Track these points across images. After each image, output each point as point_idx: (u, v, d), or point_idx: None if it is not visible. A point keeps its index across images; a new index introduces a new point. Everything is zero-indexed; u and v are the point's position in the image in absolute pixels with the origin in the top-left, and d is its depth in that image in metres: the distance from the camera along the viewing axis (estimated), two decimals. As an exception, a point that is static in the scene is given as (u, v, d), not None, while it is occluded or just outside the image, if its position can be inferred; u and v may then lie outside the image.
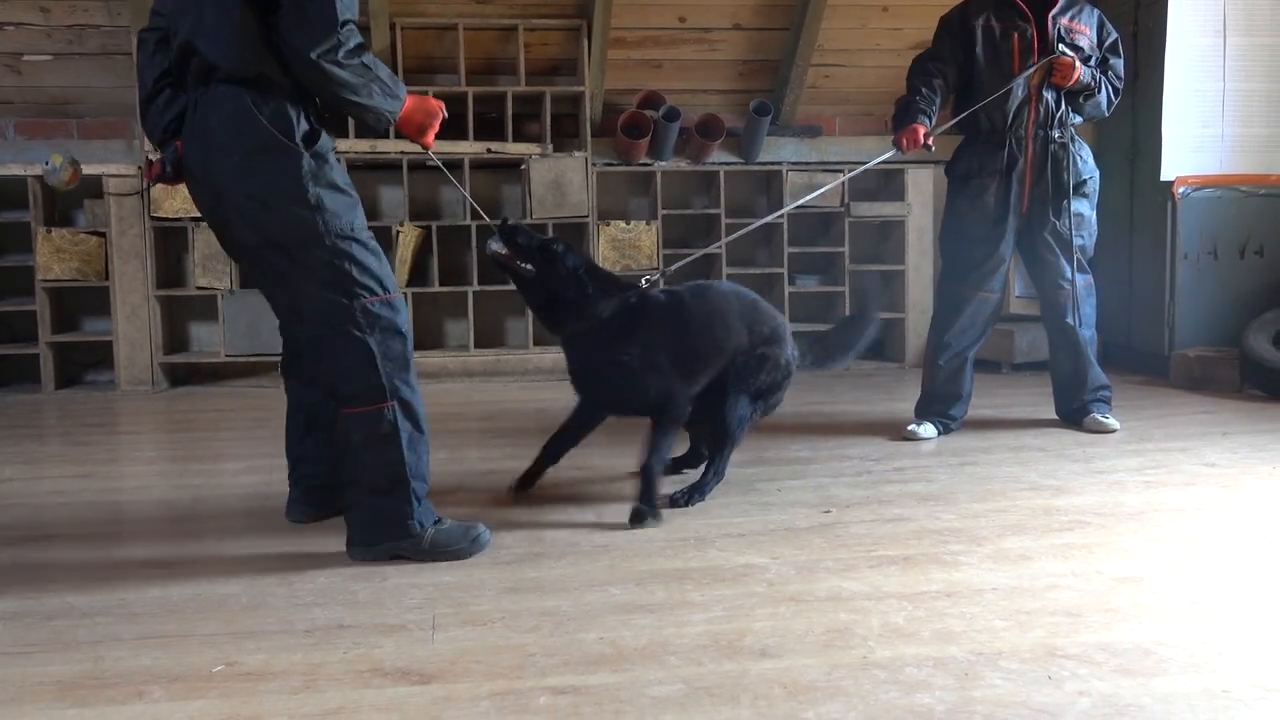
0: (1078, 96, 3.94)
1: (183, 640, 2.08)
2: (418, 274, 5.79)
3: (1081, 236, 4.03)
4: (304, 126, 2.46)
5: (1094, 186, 4.05)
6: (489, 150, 5.65)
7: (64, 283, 5.53)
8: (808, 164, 6.17)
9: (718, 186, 6.00)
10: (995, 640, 2.01)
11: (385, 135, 5.37)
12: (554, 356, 5.82)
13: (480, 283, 5.78)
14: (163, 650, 2.03)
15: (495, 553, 2.62)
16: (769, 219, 4.82)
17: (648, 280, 3.16)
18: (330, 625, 2.15)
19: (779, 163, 6.14)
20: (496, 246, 2.91)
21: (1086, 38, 3.96)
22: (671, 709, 1.74)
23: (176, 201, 5.45)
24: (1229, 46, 5.23)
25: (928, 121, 3.88)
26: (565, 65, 6.05)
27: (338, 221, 2.47)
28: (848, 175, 4.31)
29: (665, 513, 2.92)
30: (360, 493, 2.57)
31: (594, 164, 5.91)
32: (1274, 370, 4.70)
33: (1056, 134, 3.94)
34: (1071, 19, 3.94)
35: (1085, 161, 4.02)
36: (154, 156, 2.63)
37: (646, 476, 2.91)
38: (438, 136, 2.67)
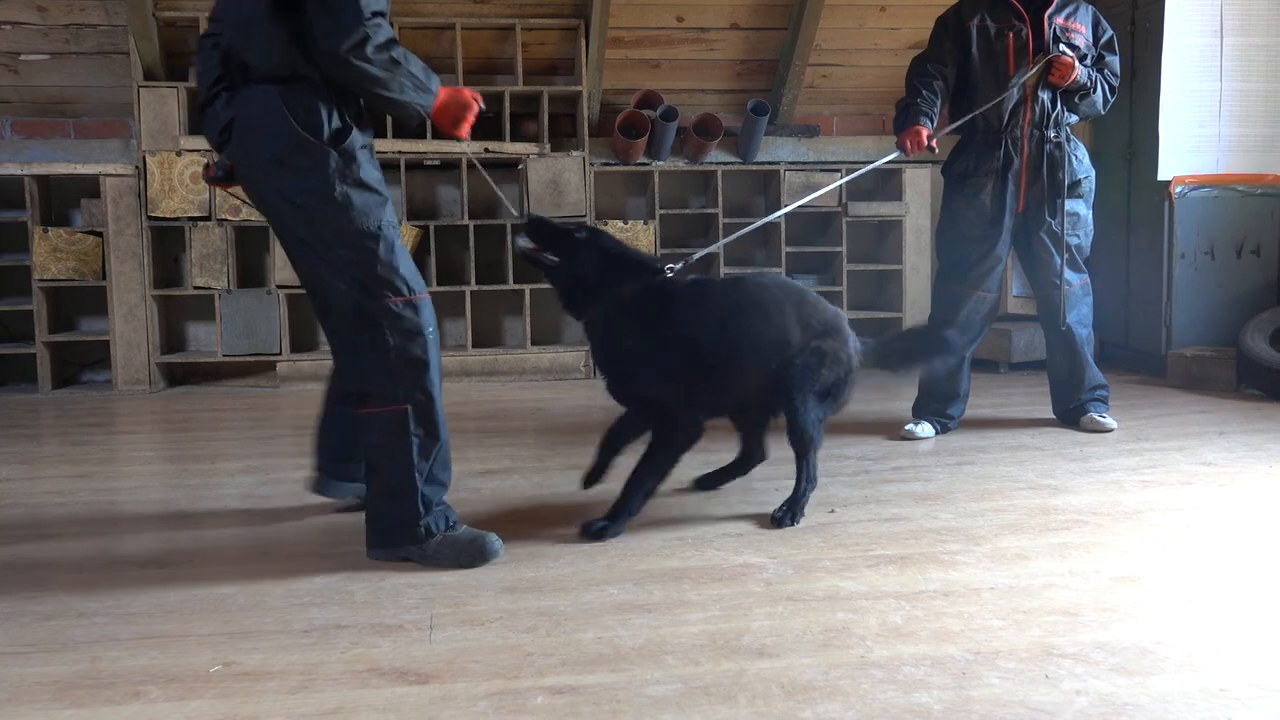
0: (1074, 96, 3.94)
1: (180, 640, 2.08)
2: (415, 274, 5.77)
3: (1077, 236, 4.04)
4: (334, 124, 2.45)
5: (1090, 186, 4.06)
6: (486, 150, 5.65)
7: (61, 282, 5.52)
8: (805, 164, 6.17)
9: (715, 186, 6.00)
10: (993, 639, 2.01)
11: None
12: (552, 356, 5.82)
13: (478, 282, 5.78)
14: (160, 650, 2.03)
15: (493, 552, 2.62)
16: (780, 213, 4.76)
17: (671, 268, 2.99)
18: (328, 625, 2.15)
19: (776, 162, 6.14)
20: (523, 242, 2.88)
21: (1082, 36, 3.96)
22: (669, 708, 1.74)
23: (173, 201, 5.45)
24: (1226, 46, 5.23)
25: (929, 123, 3.89)
26: (563, 65, 6.06)
27: (364, 220, 2.47)
28: (852, 175, 4.27)
29: (768, 532, 2.85)
30: (374, 493, 2.58)
31: (591, 163, 5.91)
32: (1271, 370, 4.70)
33: (1052, 134, 3.95)
34: (1067, 18, 3.94)
35: (1081, 161, 4.03)
36: (212, 159, 2.67)
37: (623, 496, 2.79)
38: (437, 133, 2.67)
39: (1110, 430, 4.03)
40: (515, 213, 3.27)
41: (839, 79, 6.16)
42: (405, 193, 5.76)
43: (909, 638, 2.03)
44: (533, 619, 2.16)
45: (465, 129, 2.61)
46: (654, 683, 1.84)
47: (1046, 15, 3.89)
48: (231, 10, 2.51)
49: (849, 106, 6.34)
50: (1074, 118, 4.02)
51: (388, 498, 2.55)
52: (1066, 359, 4.12)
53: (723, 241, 3.89)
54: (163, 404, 5.24)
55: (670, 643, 2.02)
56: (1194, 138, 5.26)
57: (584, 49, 5.76)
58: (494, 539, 2.57)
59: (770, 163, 6.14)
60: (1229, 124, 5.27)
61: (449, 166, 5.81)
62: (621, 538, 2.74)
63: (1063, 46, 3.87)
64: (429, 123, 2.59)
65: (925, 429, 4.01)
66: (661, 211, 5.93)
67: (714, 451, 3.25)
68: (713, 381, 2.84)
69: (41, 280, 5.47)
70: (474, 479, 3.44)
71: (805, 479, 2.95)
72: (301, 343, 5.81)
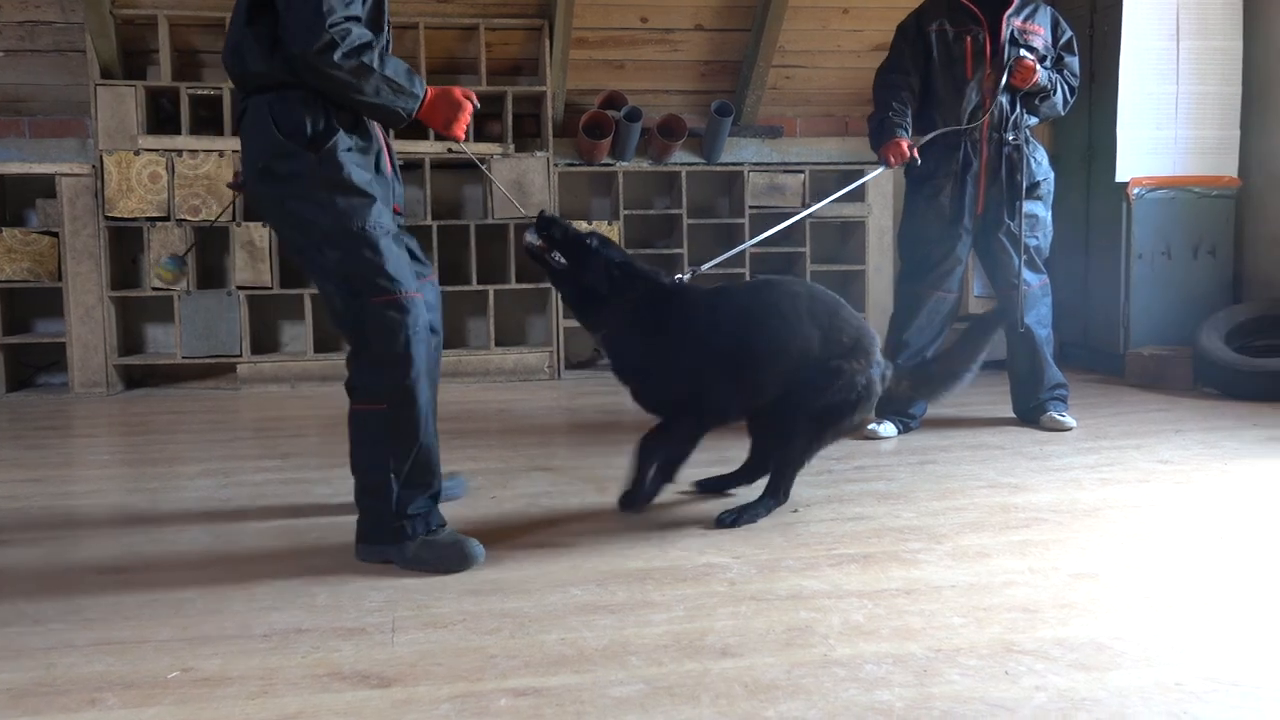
0: (1034, 98, 3.99)
1: (137, 646, 2.05)
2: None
3: (1036, 237, 4.09)
4: (316, 128, 2.45)
5: (1048, 188, 4.11)
6: (449, 150, 5.62)
7: (15, 283, 5.43)
8: (769, 165, 6.19)
9: (679, 187, 6.01)
10: (954, 637, 2.03)
11: (408, 130, 5.33)
12: (516, 357, 5.81)
13: (441, 283, 5.70)
14: (116, 657, 2.00)
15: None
16: (801, 215, 4.68)
17: (680, 277, 2.99)
18: (288, 629, 2.13)
19: (740, 163, 6.15)
20: (532, 238, 2.87)
21: (1041, 38, 4.01)
22: (633, 709, 1.74)
23: (131, 201, 5.38)
24: (1182, 50, 5.30)
25: (906, 133, 3.93)
26: (527, 65, 6.04)
27: (349, 221, 2.46)
28: (852, 185, 4.23)
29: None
30: (356, 491, 2.59)
31: (556, 164, 5.89)
32: (1226, 368, 4.77)
33: (1011, 136, 3.99)
34: (1025, 19, 3.98)
35: (1040, 163, 4.07)
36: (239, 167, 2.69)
37: (633, 458, 2.85)
38: (409, 133, 2.65)
39: (1069, 429, 4.07)
40: (522, 210, 3.24)
41: (802, 80, 6.19)
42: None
43: (871, 636, 2.04)
44: (496, 621, 2.15)
45: (458, 129, 2.61)
46: (617, 683, 1.84)
47: (1005, 17, 3.93)
48: (230, 30, 2.56)
49: (812, 108, 6.37)
50: (1033, 120, 4.07)
51: (366, 496, 2.56)
52: (1026, 359, 4.16)
53: (748, 244, 3.86)
54: (120, 406, 5.17)
55: (634, 643, 2.02)
56: (1151, 140, 5.33)
57: (548, 49, 5.75)
58: (475, 544, 2.54)
59: (734, 164, 6.16)
60: (1185, 126, 5.34)
61: (411, 167, 5.77)
62: (586, 538, 2.74)
63: (1022, 50, 3.91)
64: (436, 127, 2.57)
65: (888, 428, 4.03)
66: (626, 212, 5.93)
67: (717, 449, 3.25)
68: (729, 385, 2.81)
69: (-4, 281, 5.39)
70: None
71: (770, 494, 2.90)
72: (262, 344, 5.76)
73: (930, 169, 4.04)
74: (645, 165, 6.02)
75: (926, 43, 3.98)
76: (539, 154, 5.80)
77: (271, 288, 5.58)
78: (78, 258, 5.46)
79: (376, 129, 2.61)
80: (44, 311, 5.71)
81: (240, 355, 5.56)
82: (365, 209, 2.49)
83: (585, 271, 2.84)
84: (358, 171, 2.50)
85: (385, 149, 2.64)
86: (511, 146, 5.77)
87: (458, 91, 2.59)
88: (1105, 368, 5.53)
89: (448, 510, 2.95)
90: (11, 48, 5.41)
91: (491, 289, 5.69)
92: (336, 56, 2.33)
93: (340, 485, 3.34)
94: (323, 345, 5.75)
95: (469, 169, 5.92)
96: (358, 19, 2.40)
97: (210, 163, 5.42)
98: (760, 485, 3.01)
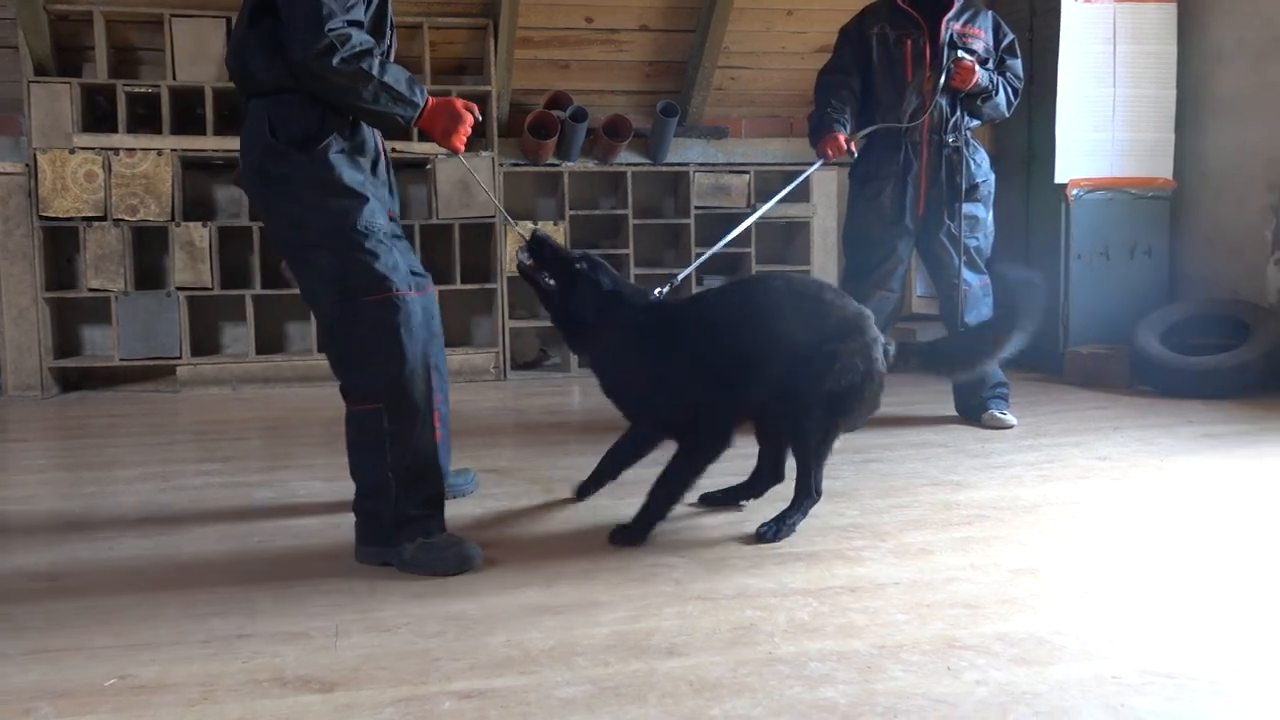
0: (976, 99, 4.04)
1: (73, 654, 2.01)
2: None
3: (977, 238, 4.14)
4: (307, 131, 2.43)
5: (989, 190, 4.17)
6: (393, 150, 5.55)
7: (-54, 285, 5.31)
8: (714, 165, 6.22)
9: (625, 187, 6.01)
10: (897, 633, 2.05)
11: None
12: (461, 357, 5.76)
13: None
14: (51, 665, 1.95)
15: (401, 557, 2.58)
16: (756, 215, 4.66)
17: (660, 292, 2.95)
18: (229, 635, 2.09)
19: (686, 164, 6.17)
20: (524, 257, 2.81)
21: (981, 41, 4.06)
22: (579, 710, 1.74)
23: (66, 201, 5.28)
24: (1119, 54, 5.40)
25: (844, 128, 3.96)
26: (471, 64, 6.01)
27: (340, 220, 2.44)
28: (792, 185, 4.20)
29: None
30: (355, 493, 2.56)
31: (501, 164, 5.87)
32: (1162, 367, 4.87)
33: (951, 139, 4.04)
34: (965, 23, 4.04)
35: (980, 165, 4.13)
36: None
37: (647, 503, 2.71)
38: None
39: (1010, 427, 4.13)
40: (513, 223, 3.19)
41: (747, 81, 6.22)
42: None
43: (816, 634, 2.05)
44: (441, 624, 2.14)
45: (458, 140, 2.57)
46: (564, 684, 1.83)
47: (945, 21, 3.98)
48: (234, 32, 2.56)
49: (757, 108, 6.41)
50: (975, 122, 4.13)
51: (364, 497, 2.53)
52: (968, 357, 4.21)
53: (719, 245, 3.85)
54: (56, 410, 5.06)
55: (580, 644, 2.02)
56: (1089, 142, 5.43)
57: (493, 49, 5.73)
58: (474, 547, 2.51)
59: (680, 164, 6.17)
60: (1122, 129, 5.45)
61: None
62: (534, 540, 2.72)
63: (960, 52, 3.96)
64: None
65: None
66: (571, 212, 5.93)
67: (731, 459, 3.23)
68: (722, 391, 2.72)
69: (-75, 282, 5.25)
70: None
71: (803, 493, 2.78)
72: (202, 346, 5.67)
73: (872, 170, 4.08)
74: (591, 165, 6.02)
75: (868, 46, 4.03)
76: (484, 154, 5.77)
77: (212, 288, 5.49)
78: (11, 258, 5.34)
79: (375, 135, 2.60)
80: (-25, 313, 5.58)
81: (180, 357, 5.47)
82: (358, 209, 2.47)
83: (572, 296, 2.78)
84: (350, 172, 2.48)
85: (382, 154, 2.63)
86: (457, 146, 5.72)
87: (459, 103, 2.56)
88: (1045, 366, 5.62)
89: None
90: (-60, 43, 5.28)
91: (437, 289, 5.63)
92: (335, 61, 2.30)
93: (282, 489, 3.30)
94: (265, 347, 5.68)
95: (415, 169, 5.87)
96: (359, 24, 2.38)
97: (148, 161, 5.33)
98: (771, 495, 2.96)
